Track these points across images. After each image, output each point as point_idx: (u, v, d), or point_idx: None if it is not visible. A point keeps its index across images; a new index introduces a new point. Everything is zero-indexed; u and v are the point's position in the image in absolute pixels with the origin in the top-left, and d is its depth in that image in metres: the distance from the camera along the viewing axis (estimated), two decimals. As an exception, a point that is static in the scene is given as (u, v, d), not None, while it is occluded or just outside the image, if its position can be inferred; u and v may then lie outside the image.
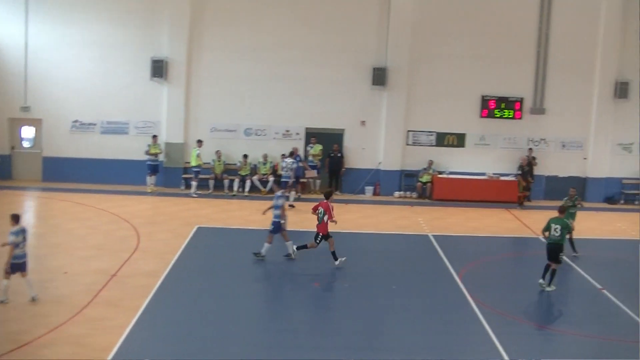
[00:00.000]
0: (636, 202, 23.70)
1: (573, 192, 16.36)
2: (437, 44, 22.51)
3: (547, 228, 13.53)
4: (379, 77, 22.11)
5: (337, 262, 14.20)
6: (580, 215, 17.70)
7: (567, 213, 14.66)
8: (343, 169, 22.33)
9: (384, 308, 12.51)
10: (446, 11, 22.56)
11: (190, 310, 11.92)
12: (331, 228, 14.88)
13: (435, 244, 16.66)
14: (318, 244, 14.30)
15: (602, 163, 23.54)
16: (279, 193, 15.19)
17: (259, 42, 21.98)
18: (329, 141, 22.37)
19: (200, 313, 11.84)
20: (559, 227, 13.37)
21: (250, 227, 17.37)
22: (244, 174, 21.89)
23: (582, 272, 15.06)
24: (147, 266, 14.06)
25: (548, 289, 13.58)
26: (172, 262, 14.37)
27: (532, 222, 19.76)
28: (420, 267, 15.06)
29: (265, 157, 21.92)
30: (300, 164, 21.34)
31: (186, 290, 12.94)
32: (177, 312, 11.87)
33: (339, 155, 22.23)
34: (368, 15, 22.26)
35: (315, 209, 14.23)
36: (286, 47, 21.99)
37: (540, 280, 13.70)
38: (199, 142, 21.35)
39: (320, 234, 14.15)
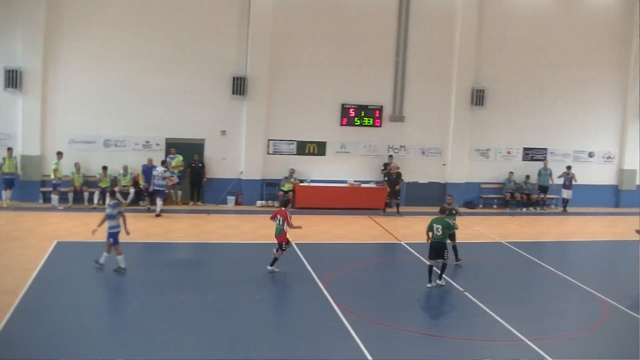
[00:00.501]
0: (494, 206, 26.20)
1: (450, 200, 18.10)
2: (298, 53, 24.01)
3: (430, 228, 15.04)
4: (239, 86, 23.51)
5: (269, 268, 15.65)
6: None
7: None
8: (204, 179, 23.97)
9: (249, 318, 13.10)
10: (306, 20, 24.01)
11: (51, 327, 12.19)
12: (194, 239, 17.10)
13: (298, 252, 17.56)
14: (284, 250, 15.67)
15: (460, 169, 25.71)
16: (112, 203, 16.20)
17: (118, 52, 22.92)
18: (190, 151, 23.83)
19: (61, 329, 12.16)
20: (440, 226, 14.99)
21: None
22: (104, 186, 23.14)
23: (444, 275, 16.15)
24: (5, 284, 14.29)
25: (439, 282, 15.21)
26: (32, 278, 14.71)
27: (394, 228, 21.60)
28: (284, 276, 15.87)
29: (125, 168, 23.26)
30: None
31: (46, 307, 13.14)
32: (38, 329, 12.14)
33: (199, 165, 23.72)
34: (227, 24, 23.47)
35: (273, 217, 15.39)
36: (145, 57, 23.01)
37: (428, 285, 15.14)
38: (59, 154, 22.55)
39: (283, 243, 15.44)
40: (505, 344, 12.45)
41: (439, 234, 15.04)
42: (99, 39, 22.89)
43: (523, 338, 12.57)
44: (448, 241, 15.95)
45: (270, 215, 16.41)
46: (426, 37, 24.77)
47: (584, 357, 11.96)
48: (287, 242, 15.59)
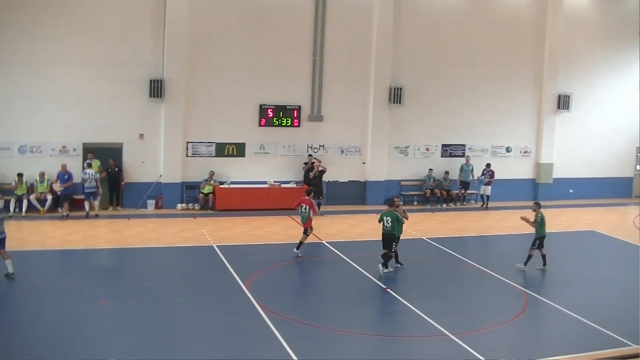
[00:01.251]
0: (415, 203, 29.34)
1: (397, 202, 20.28)
2: (215, 54, 26.05)
3: (380, 220, 17.54)
4: (156, 89, 25.43)
5: (295, 251, 19.18)
6: (361, 218, 23.73)
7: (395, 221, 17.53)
8: (122, 183, 26.39)
9: (173, 322, 14.03)
10: (223, 20, 26.02)
11: None
12: (114, 244, 19.54)
13: (220, 254, 19.03)
14: (308, 235, 18.95)
15: (380, 167, 28.39)
16: None
17: (30, 55, 24.46)
18: (108, 156, 25.78)
19: None
20: (390, 219, 17.38)
21: (29, 249, 19.31)
22: (20, 193, 25.10)
23: (366, 273, 17.73)
24: None
25: (386, 270, 17.57)
26: None
27: (316, 228, 22.68)
28: (207, 279, 17.08)
29: (42, 174, 25.35)
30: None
31: None
32: None
33: (116, 169, 25.90)
34: (143, 26, 25.26)
35: (297, 206, 18.35)
36: (60, 61, 24.64)
37: (399, 265, 18.21)
38: None
39: (307, 228, 18.61)
40: (430, 339, 13.65)
41: (388, 225, 17.43)
42: (13, 42, 24.41)
43: (447, 333, 13.82)
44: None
45: (294, 203, 19.68)
46: (343, 36, 27.20)
47: (507, 349, 13.27)
48: (311, 228, 18.75)
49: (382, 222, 17.59)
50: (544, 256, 18.69)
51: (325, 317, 14.69)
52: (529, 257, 18.56)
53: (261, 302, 15.17)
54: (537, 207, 18.67)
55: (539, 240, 18.50)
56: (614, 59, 31.01)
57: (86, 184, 22.99)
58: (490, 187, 28.23)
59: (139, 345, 12.83)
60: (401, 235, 18.12)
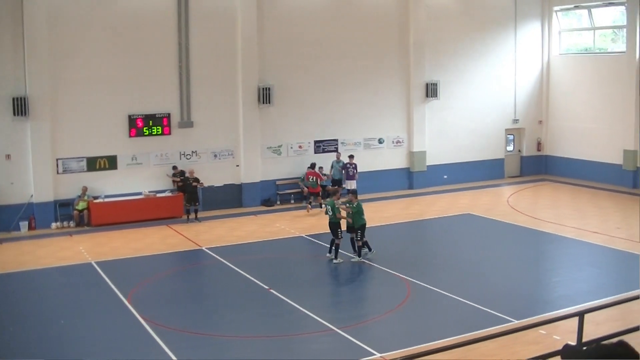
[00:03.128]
0: (292, 202, 36.45)
1: (336, 190, 26.50)
2: (79, 67, 31.11)
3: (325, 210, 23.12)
4: (20, 106, 29.95)
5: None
6: (239, 221, 29.78)
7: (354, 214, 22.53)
8: None
9: (55, 345, 16.31)
10: (84, 31, 31.05)
11: None
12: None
13: (99, 270, 22.21)
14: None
15: (254, 168, 34.46)
16: None
17: None
18: None
19: None
20: (329, 207, 22.75)
21: None
22: None
23: (248, 275, 21.03)
24: None
25: (335, 261, 22.32)
26: None
27: (194, 235, 27.07)
28: (87, 297, 19.74)
29: None
30: None
31: None
32: None
33: None
34: (1, 43, 30.26)
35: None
36: None
37: (327, 254, 22.90)
38: None
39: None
40: (317, 335, 16.15)
41: (330, 213, 22.59)
42: None
43: (333, 327, 16.37)
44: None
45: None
46: (208, 40, 32.94)
47: (395, 338, 16.02)
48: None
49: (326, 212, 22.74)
50: (365, 243, 22.55)
51: (211, 324, 17.17)
52: (359, 247, 22.59)
53: (144, 314, 17.66)
54: (354, 196, 22.84)
55: (361, 229, 22.44)
56: (477, 45, 38.43)
57: None
58: (354, 180, 32.42)
59: None
60: (366, 224, 23.21)
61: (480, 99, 37.41)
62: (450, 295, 19.06)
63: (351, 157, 34.60)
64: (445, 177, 35.63)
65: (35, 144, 31.05)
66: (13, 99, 30.18)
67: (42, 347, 16.41)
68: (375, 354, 15.26)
